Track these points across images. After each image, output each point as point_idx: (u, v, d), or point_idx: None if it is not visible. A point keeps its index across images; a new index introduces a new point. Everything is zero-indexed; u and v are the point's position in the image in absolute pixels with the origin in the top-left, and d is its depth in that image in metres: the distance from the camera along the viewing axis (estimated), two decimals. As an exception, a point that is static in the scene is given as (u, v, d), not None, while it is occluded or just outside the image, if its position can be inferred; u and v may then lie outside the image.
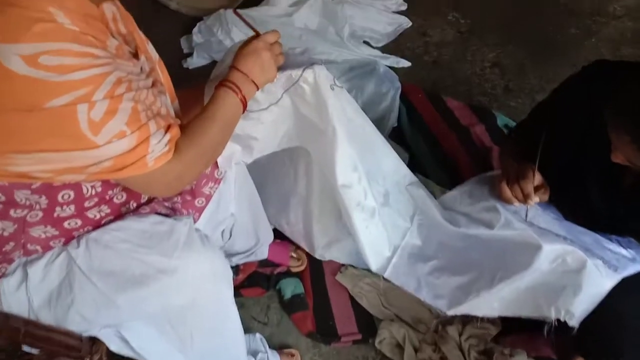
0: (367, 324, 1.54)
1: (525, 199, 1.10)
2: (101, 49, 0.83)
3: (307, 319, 1.54)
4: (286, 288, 1.59)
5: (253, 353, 1.42)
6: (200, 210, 1.26)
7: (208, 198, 1.27)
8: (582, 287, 1.01)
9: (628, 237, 1.17)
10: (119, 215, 1.07)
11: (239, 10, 2.45)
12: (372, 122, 2.06)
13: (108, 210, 1.04)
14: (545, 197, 1.13)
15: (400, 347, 1.45)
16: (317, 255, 1.63)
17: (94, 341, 1.07)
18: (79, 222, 1.00)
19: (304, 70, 1.19)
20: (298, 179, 1.50)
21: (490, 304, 1.11)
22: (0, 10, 0.75)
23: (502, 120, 2.10)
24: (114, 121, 0.83)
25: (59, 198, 0.94)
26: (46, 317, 0.99)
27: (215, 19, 2.44)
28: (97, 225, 1.04)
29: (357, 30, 2.52)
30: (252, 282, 1.61)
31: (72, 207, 0.97)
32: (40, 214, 0.94)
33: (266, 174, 1.55)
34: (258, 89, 1.10)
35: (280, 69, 1.16)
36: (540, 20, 2.70)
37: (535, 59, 2.46)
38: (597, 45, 2.57)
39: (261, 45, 1.08)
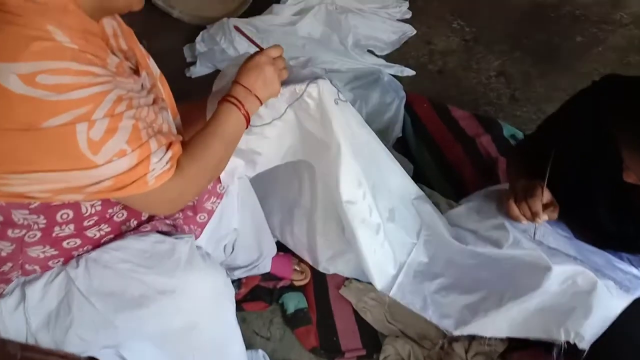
0: (372, 340, 1.51)
1: (533, 217, 1.08)
2: (101, 67, 0.82)
3: (310, 334, 1.51)
4: (289, 302, 1.57)
5: (256, 370, 1.40)
6: (202, 225, 1.25)
7: (210, 213, 1.25)
8: (593, 308, 0.98)
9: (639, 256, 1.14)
10: (119, 233, 1.05)
11: (241, 24, 2.43)
12: (377, 132, 2.04)
13: (108, 229, 1.02)
14: (555, 215, 1.10)
15: (405, 363, 1.43)
16: (321, 269, 1.61)
17: (93, 362, 1.05)
18: (79, 242, 0.98)
19: (307, 84, 1.17)
20: (303, 191, 1.48)
21: (498, 324, 1.08)
22: None
23: (508, 130, 2.08)
24: (114, 140, 0.81)
25: (58, 218, 0.92)
26: (44, 339, 0.97)
27: (219, 28, 2.43)
28: (97, 244, 1.02)
29: (361, 39, 2.50)
30: (255, 296, 1.58)
31: (71, 226, 0.95)
32: (39, 233, 0.93)
33: (270, 185, 1.53)
34: (261, 104, 1.08)
35: (284, 83, 1.14)
36: (545, 28, 2.68)
37: (541, 67, 2.44)
38: (603, 53, 2.54)
39: (264, 59, 1.06)
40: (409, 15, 2.73)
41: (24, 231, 0.91)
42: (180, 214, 1.17)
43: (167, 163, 0.90)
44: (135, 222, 1.07)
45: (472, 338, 1.34)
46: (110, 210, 0.99)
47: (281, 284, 1.60)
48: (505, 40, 2.60)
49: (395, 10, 2.70)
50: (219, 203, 1.26)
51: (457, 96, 2.32)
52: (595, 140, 1.11)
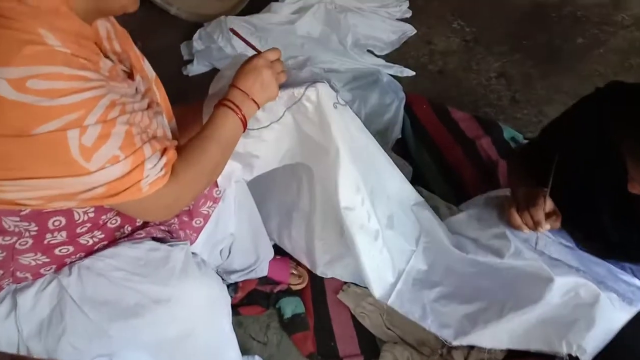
0: (370, 345, 1.49)
1: (535, 226, 1.06)
2: (93, 71, 0.80)
3: (307, 339, 1.49)
4: (286, 307, 1.55)
5: (252, 376, 1.38)
6: (198, 230, 1.23)
7: (206, 218, 1.23)
8: (595, 321, 0.97)
9: (642, 266, 1.12)
10: (113, 240, 1.03)
11: (238, 22, 2.40)
12: (376, 133, 2.03)
13: (102, 236, 1.00)
14: (557, 224, 1.08)
15: (403, 370, 1.41)
16: (319, 273, 1.59)
17: (86, 371, 1.03)
18: (71, 249, 0.96)
19: (306, 88, 1.15)
20: (301, 193, 1.46)
21: (498, 335, 1.07)
22: None
23: (508, 132, 2.06)
24: (106, 146, 0.79)
25: (50, 225, 0.90)
26: (36, 347, 0.95)
27: (216, 26, 2.40)
28: (90, 251, 1.00)
29: (361, 38, 2.48)
30: (251, 301, 1.56)
31: (64, 233, 0.93)
32: (30, 241, 0.91)
33: (268, 187, 1.51)
34: (259, 107, 1.06)
35: (282, 86, 1.12)
36: (546, 29, 2.66)
37: (542, 69, 2.42)
38: (605, 55, 2.52)
39: (262, 62, 1.04)
40: (409, 14, 2.70)
41: (14, 238, 0.89)
42: (176, 219, 1.15)
43: (161, 169, 0.87)
44: (130, 228, 1.05)
45: (471, 346, 1.33)
46: (103, 217, 0.97)
47: (278, 288, 1.58)
48: (506, 40, 2.58)
49: (395, 9, 2.67)
50: (215, 207, 1.24)
51: (457, 97, 2.29)
52: (598, 148, 1.10)
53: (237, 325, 1.53)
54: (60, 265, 0.98)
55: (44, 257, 0.94)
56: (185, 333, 1.01)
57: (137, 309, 0.95)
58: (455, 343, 1.11)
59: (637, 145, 0.91)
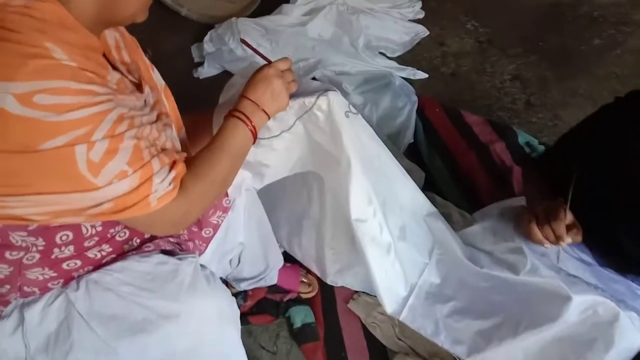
0: (381, 356, 1.47)
1: (557, 240, 1.03)
2: (100, 84, 0.78)
3: (317, 350, 1.47)
4: (296, 316, 1.53)
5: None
6: (208, 240, 1.21)
7: (216, 228, 1.21)
8: (615, 340, 0.93)
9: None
10: (121, 253, 1.01)
11: (249, 24, 2.38)
12: (388, 138, 2.02)
13: (110, 249, 0.98)
14: (579, 237, 1.05)
15: (415, 382, 1.39)
16: (329, 281, 1.57)
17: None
18: (79, 263, 0.95)
19: (317, 97, 1.12)
20: (312, 201, 1.44)
21: (513, 353, 1.03)
22: None
23: (523, 137, 2.02)
24: (114, 161, 0.78)
25: (57, 239, 0.88)
26: (43, 363, 0.94)
27: (227, 28, 2.38)
28: (98, 264, 0.98)
29: (373, 40, 2.45)
30: (261, 309, 1.55)
31: (71, 247, 0.91)
32: (38, 255, 0.89)
33: (278, 195, 1.49)
34: (269, 118, 1.04)
35: (293, 96, 1.10)
36: (562, 29, 2.61)
37: (558, 71, 2.38)
38: (622, 56, 2.47)
39: (272, 72, 1.02)
40: (421, 15, 2.67)
41: (22, 253, 0.88)
42: (185, 230, 1.13)
43: (170, 183, 0.86)
44: (138, 241, 1.03)
45: (484, 359, 1.30)
46: (111, 230, 0.96)
47: (288, 296, 1.57)
48: (521, 42, 2.53)
49: (407, 10, 2.64)
50: (225, 217, 1.22)
51: (471, 100, 2.26)
52: (618, 159, 1.06)
53: (247, 334, 1.52)
54: (68, 279, 0.96)
55: (52, 271, 0.93)
56: (193, 348, 0.99)
57: (145, 325, 0.94)
58: (468, 360, 1.09)
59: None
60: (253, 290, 1.54)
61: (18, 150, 0.72)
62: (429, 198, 1.69)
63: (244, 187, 1.24)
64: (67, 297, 0.94)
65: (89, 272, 0.97)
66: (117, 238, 0.98)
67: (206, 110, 1.18)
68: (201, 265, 1.10)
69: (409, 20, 2.62)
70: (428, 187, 1.86)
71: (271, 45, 2.32)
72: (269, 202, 1.43)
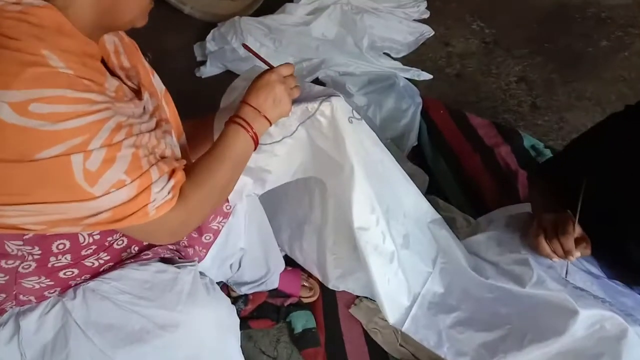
0: (382, 363, 1.46)
1: (566, 255, 1.01)
2: (98, 92, 0.76)
3: (318, 355, 1.46)
4: (297, 321, 1.51)
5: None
6: (208, 246, 1.20)
7: (216, 233, 1.20)
8: (622, 356, 0.91)
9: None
10: (119, 261, 1.00)
11: (252, 23, 2.37)
12: (391, 140, 2.00)
13: (107, 257, 0.97)
14: (587, 251, 1.03)
15: (416, 389, 1.37)
16: (331, 286, 1.55)
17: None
18: (76, 271, 0.93)
19: (320, 103, 1.10)
20: (313, 207, 1.42)
21: (518, 367, 1.02)
22: None
23: (528, 141, 2.00)
24: (112, 170, 0.76)
25: (54, 248, 0.87)
26: (39, 372, 0.93)
27: (230, 27, 2.36)
28: (96, 272, 0.97)
29: (377, 40, 2.43)
30: (261, 314, 1.53)
31: (68, 256, 0.90)
32: (34, 264, 0.88)
33: (280, 199, 1.48)
34: (271, 124, 1.02)
35: (296, 101, 1.08)
36: (569, 31, 2.58)
37: (564, 73, 2.35)
38: (630, 59, 2.43)
39: (274, 78, 1.00)
40: (426, 15, 2.65)
41: (17, 262, 0.87)
42: (185, 237, 1.12)
43: (169, 192, 0.84)
44: (137, 249, 1.02)
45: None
46: (109, 238, 0.94)
47: (289, 301, 1.55)
48: (527, 43, 2.50)
49: (412, 10, 2.61)
50: (225, 222, 1.20)
51: (476, 102, 2.24)
52: (627, 169, 1.04)
53: (247, 338, 1.51)
54: (65, 287, 0.95)
55: (48, 280, 0.91)
56: (192, 357, 0.98)
57: (143, 335, 0.92)
58: (472, 373, 1.07)
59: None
60: (254, 294, 1.53)
61: (14, 159, 0.70)
62: (432, 202, 1.67)
63: (245, 192, 1.22)
64: (63, 305, 0.93)
65: (86, 280, 0.96)
66: (115, 246, 0.97)
67: (207, 115, 1.16)
68: (201, 273, 1.08)
69: (414, 20, 2.60)
70: (432, 191, 1.84)
71: (274, 45, 2.30)
72: (271, 206, 1.42)
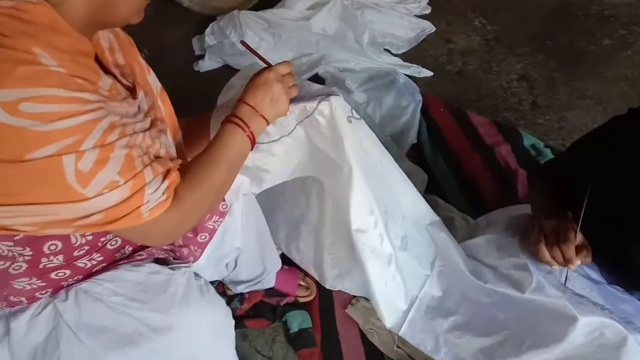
0: (378, 364, 1.45)
1: (566, 263, 0.99)
2: (91, 92, 0.74)
3: (314, 356, 1.45)
4: (293, 321, 1.50)
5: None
6: (203, 246, 1.18)
7: (212, 232, 1.18)
8: (622, 364, 0.90)
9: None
10: (112, 261, 0.98)
11: (251, 17, 2.34)
12: (391, 138, 1.98)
13: (100, 258, 0.95)
14: (588, 259, 1.01)
15: (412, 391, 1.36)
16: (328, 286, 1.54)
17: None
18: (68, 272, 0.92)
19: (319, 102, 1.08)
20: (310, 206, 1.40)
21: (517, 373, 1.01)
22: None
23: (529, 140, 1.98)
24: (104, 171, 0.74)
25: (45, 249, 0.85)
26: (30, 374, 0.92)
27: (229, 20, 2.34)
28: (89, 273, 0.95)
29: (378, 36, 2.40)
30: (257, 313, 1.52)
31: (60, 257, 0.88)
32: (25, 265, 0.86)
33: (276, 197, 1.46)
34: (268, 124, 1.00)
35: (294, 100, 1.06)
36: (571, 28, 2.55)
37: (566, 71, 2.32)
38: (632, 58, 2.41)
39: (272, 76, 0.98)
40: (428, 10, 2.62)
41: (8, 263, 0.85)
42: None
43: (163, 194, 0.82)
44: (130, 249, 1.00)
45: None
46: (102, 239, 0.93)
47: (285, 300, 1.54)
48: (529, 41, 2.48)
49: (413, 5, 2.58)
50: (221, 222, 1.19)
51: (477, 100, 2.22)
52: (630, 172, 1.02)
53: (242, 337, 1.50)
54: (57, 288, 0.93)
55: (40, 281, 0.89)
56: (186, 360, 0.97)
57: (135, 337, 0.91)
58: (470, 379, 1.05)
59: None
60: (249, 293, 1.52)
61: (4, 159, 0.68)
62: (431, 201, 1.66)
63: (241, 191, 1.21)
64: (55, 307, 0.92)
65: (78, 281, 0.94)
66: (108, 246, 0.95)
67: (203, 113, 1.14)
68: (195, 275, 1.07)
69: (415, 15, 2.57)
70: (431, 190, 1.82)
71: (274, 39, 2.28)
72: (267, 204, 1.40)
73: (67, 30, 0.75)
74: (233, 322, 1.08)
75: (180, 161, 0.91)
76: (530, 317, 1.02)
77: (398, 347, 1.45)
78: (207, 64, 2.29)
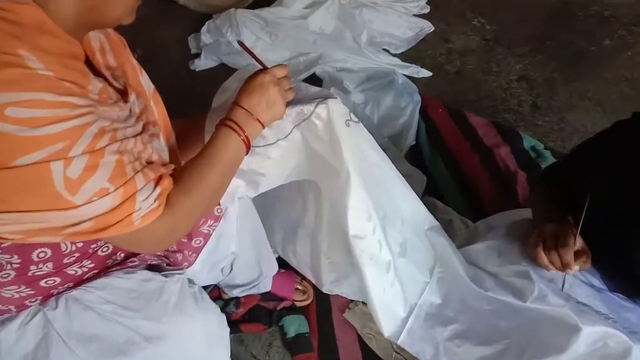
0: (376, 370, 1.43)
1: (564, 267, 0.98)
2: (80, 96, 0.72)
3: (311, 361, 1.43)
4: (290, 326, 1.48)
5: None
6: (198, 250, 1.16)
7: (206, 237, 1.16)
8: (626, 376, 0.88)
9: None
10: (104, 268, 0.96)
11: (248, 16, 2.31)
12: (389, 139, 1.96)
13: (91, 265, 0.92)
14: (587, 265, 1.00)
15: (410, 396, 1.34)
16: (325, 290, 1.51)
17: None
18: (58, 280, 0.89)
19: (316, 105, 1.06)
20: (307, 209, 1.38)
21: (517, 383, 0.99)
22: None
23: (528, 142, 1.96)
24: (94, 178, 0.72)
25: (34, 257, 0.83)
26: (19, 384, 0.89)
27: (225, 19, 2.31)
28: (79, 281, 0.93)
29: (376, 35, 2.38)
30: (253, 317, 1.50)
31: (50, 264, 0.86)
32: (13, 273, 0.84)
33: (272, 200, 1.44)
34: (264, 127, 0.98)
35: (290, 103, 1.04)
36: (571, 29, 2.53)
37: (566, 72, 2.30)
38: (633, 58, 2.39)
39: (268, 79, 0.96)
40: (426, 10, 2.60)
41: (-5, 271, 0.83)
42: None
43: (155, 200, 0.80)
44: (122, 255, 0.98)
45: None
46: (93, 246, 0.90)
47: (282, 304, 1.52)
48: (528, 40, 2.46)
49: (412, 4, 2.56)
50: (216, 226, 1.16)
51: (476, 101, 2.19)
52: (633, 177, 1.01)
53: (238, 342, 1.47)
54: (47, 296, 0.91)
55: (29, 289, 0.87)
56: (179, 370, 0.95)
57: (128, 347, 0.89)
58: (471, 388, 1.03)
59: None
60: (245, 297, 1.50)
61: None
62: (429, 203, 1.64)
63: (237, 195, 1.18)
64: (45, 315, 0.89)
65: (69, 289, 0.92)
66: (100, 253, 0.93)
67: (198, 116, 1.12)
68: (190, 281, 1.05)
69: (414, 15, 2.55)
70: (429, 192, 1.80)
71: (271, 38, 2.25)
72: (263, 207, 1.38)
73: (56, 32, 0.72)
74: (228, 329, 1.05)
75: (173, 166, 0.89)
76: (532, 326, 1.00)
77: (396, 352, 1.43)
78: (203, 63, 2.26)
